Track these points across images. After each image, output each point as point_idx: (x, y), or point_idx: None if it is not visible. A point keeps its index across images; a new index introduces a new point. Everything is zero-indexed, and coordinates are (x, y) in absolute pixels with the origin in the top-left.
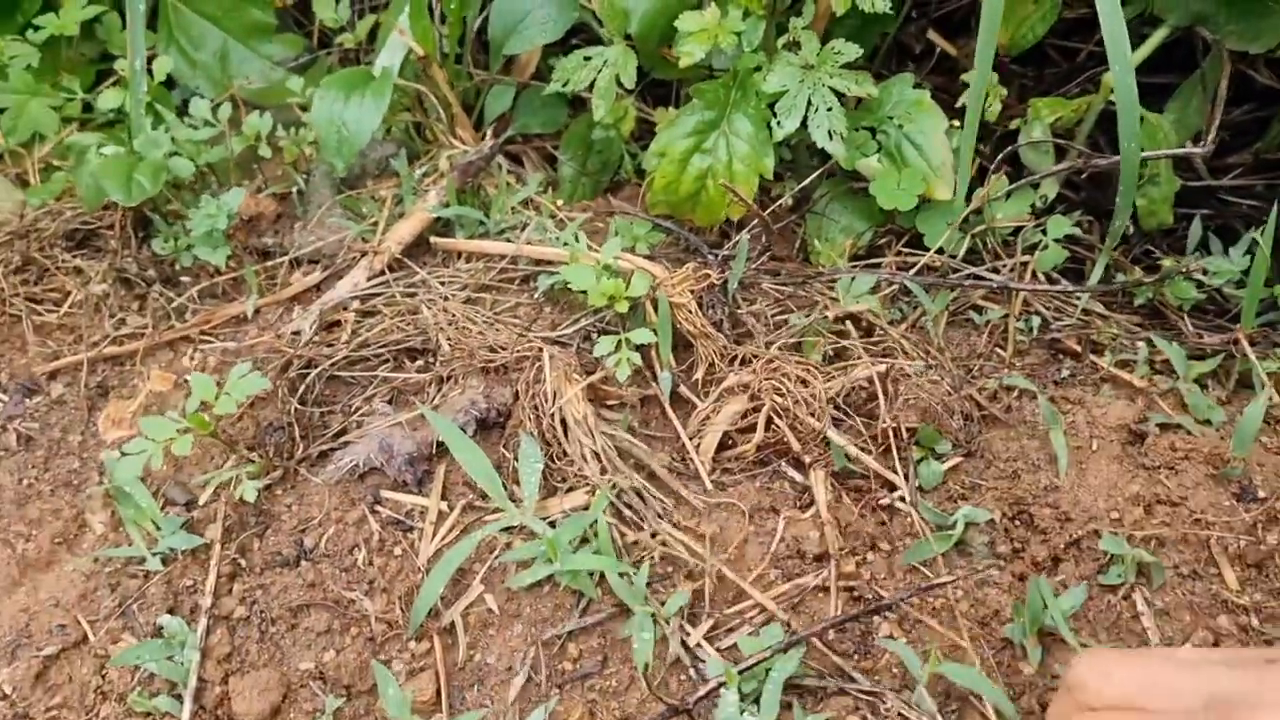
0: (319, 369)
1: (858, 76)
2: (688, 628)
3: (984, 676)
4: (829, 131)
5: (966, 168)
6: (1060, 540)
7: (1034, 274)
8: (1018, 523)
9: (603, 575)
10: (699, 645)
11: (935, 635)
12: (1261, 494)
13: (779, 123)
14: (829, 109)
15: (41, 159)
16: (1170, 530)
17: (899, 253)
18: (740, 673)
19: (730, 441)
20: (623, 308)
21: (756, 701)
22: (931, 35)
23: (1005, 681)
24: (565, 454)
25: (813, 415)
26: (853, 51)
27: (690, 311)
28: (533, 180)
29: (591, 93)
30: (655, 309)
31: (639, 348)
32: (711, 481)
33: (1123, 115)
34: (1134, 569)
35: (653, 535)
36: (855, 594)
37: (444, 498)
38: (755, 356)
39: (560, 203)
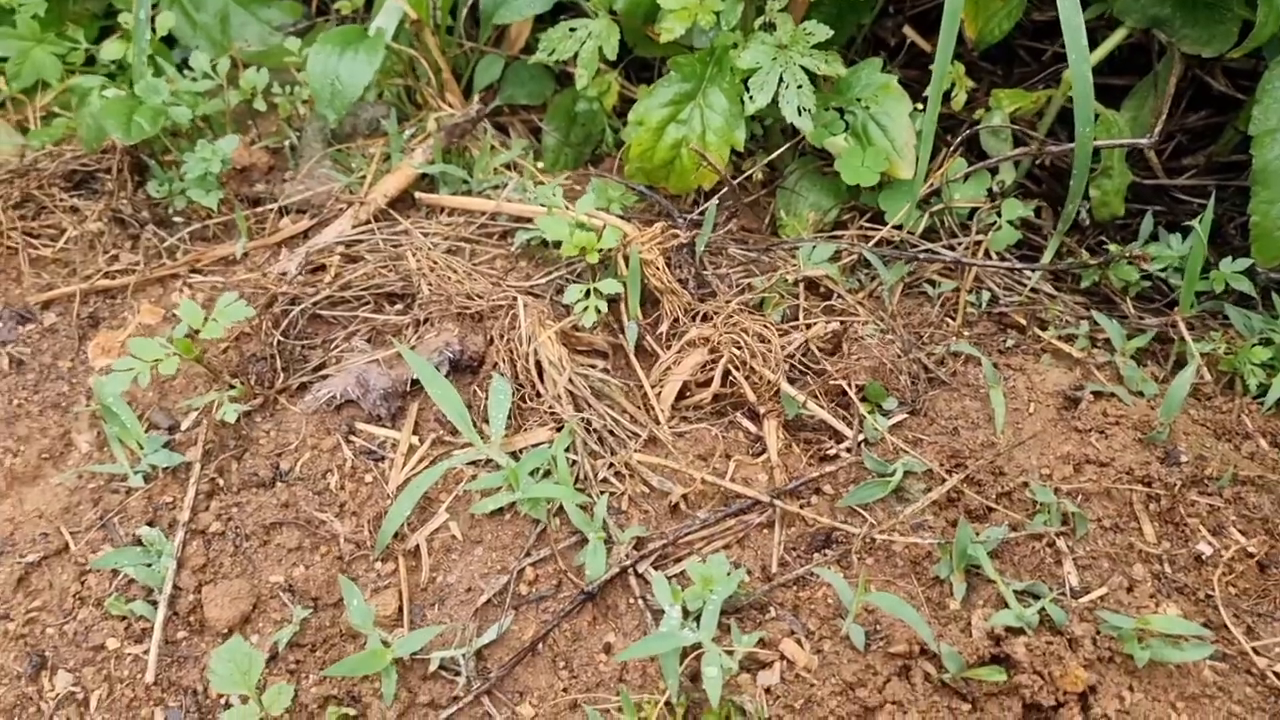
0: (302, 306)
1: (827, 56)
2: (637, 554)
3: (908, 604)
4: (798, 108)
5: (927, 147)
6: (993, 491)
7: (987, 252)
8: (954, 474)
9: (561, 505)
10: (648, 571)
11: (871, 572)
12: (1184, 459)
13: (751, 97)
14: (799, 86)
15: (43, 107)
16: (1096, 486)
17: (861, 227)
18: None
19: (690, 391)
20: (593, 258)
21: (698, 620)
22: (907, 30)
23: (933, 615)
24: (538, 394)
25: (768, 369)
26: (823, 32)
27: (658, 268)
28: (516, 145)
29: (576, 64)
30: (625, 264)
31: (609, 300)
32: (670, 428)
33: (1078, 101)
34: (1059, 518)
35: (616, 472)
36: (798, 532)
37: (415, 432)
38: (717, 313)
39: (541, 167)
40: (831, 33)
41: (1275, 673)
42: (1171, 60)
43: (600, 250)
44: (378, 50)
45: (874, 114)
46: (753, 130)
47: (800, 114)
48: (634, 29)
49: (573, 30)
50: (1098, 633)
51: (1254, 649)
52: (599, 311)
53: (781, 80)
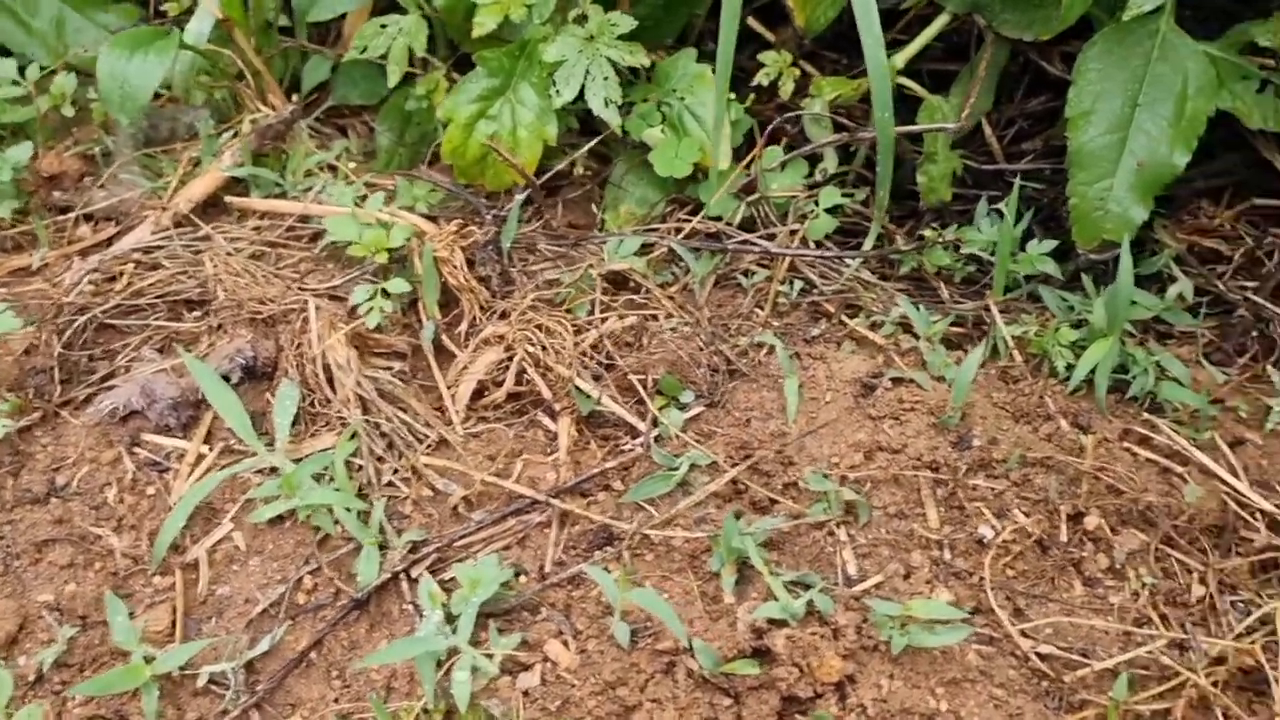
0: (90, 316)
1: (631, 47)
2: (412, 559)
3: (663, 601)
4: (605, 100)
5: (719, 135)
6: (780, 481)
7: (803, 240)
8: (740, 465)
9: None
10: (423, 576)
11: (650, 567)
12: (976, 442)
13: (558, 91)
14: (605, 78)
15: None
16: (885, 473)
17: (680, 219)
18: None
19: (487, 390)
20: (383, 259)
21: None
22: (751, 21)
23: (705, 609)
24: (328, 399)
25: (563, 365)
26: (627, 23)
27: (455, 266)
28: (336, 145)
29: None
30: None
31: (412, 301)
32: (465, 428)
33: (875, 87)
34: (840, 506)
35: (402, 476)
36: (581, 530)
37: (207, 441)
38: (514, 310)
39: (353, 166)
40: (635, 23)
41: (1038, 654)
42: (987, 45)
43: (390, 250)
44: (169, 52)
45: (689, 105)
46: (569, 124)
47: (607, 106)
48: (456, 25)
49: (384, 27)
50: (864, 621)
51: (1021, 631)
52: (383, 312)
53: (588, 73)
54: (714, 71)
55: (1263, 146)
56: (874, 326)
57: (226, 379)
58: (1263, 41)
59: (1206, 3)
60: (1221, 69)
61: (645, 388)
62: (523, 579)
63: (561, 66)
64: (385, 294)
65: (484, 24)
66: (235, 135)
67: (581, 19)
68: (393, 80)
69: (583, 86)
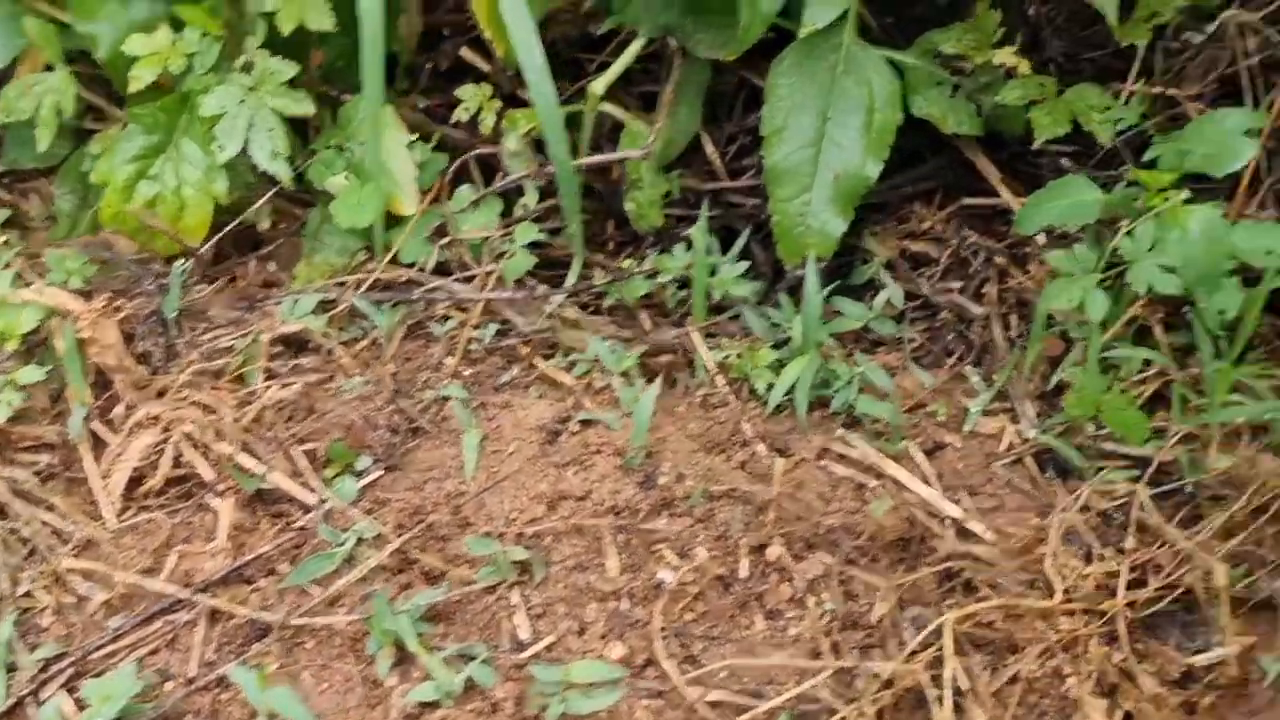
0: None
1: (297, 95)
2: (43, 678)
3: (299, 701)
4: (271, 152)
5: (402, 174)
6: (455, 547)
7: (499, 281)
8: (412, 532)
9: None
10: (53, 696)
11: (310, 655)
12: (662, 480)
13: (220, 146)
14: (270, 129)
15: None
16: (567, 525)
17: (366, 270)
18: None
19: (146, 477)
20: (14, 345)
21: None
22: (464, 53)
23: (367, 696)
24: None
25: (225, 442)
26: (290, 70)
27: (106, 345)
28: None
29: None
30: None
31: (62, 387)
32: (122, 521)
33: (544, 120)
34: (512, 567)
35: (44, 585)
36: (238, 622)
37: None
38: (172, 386)
39: (11, 238)
40: (299, 68)
41: (709, 702)
42: (676, 66)
43: (24, 335)
44: None
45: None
46: (246, 178)
47: (274, 159)
48: (120, 78)
49: (32, 86)
50: (526, 691)
51: (695, 678)
52: (11, 405)
53: (251, 124)
54: (394, 111)
55: (964, 148)
56: (570, 366)
57: None
58: (946, 49)
59: (901, 12)
60: (914, 76)
61: (314, 458)
62: (168, 685)
63: (222, 119)
64: (16, 385)
65: (140, 77)
66: None
67: (249, 66)
68: (42, 145)
69: (247, 139)
